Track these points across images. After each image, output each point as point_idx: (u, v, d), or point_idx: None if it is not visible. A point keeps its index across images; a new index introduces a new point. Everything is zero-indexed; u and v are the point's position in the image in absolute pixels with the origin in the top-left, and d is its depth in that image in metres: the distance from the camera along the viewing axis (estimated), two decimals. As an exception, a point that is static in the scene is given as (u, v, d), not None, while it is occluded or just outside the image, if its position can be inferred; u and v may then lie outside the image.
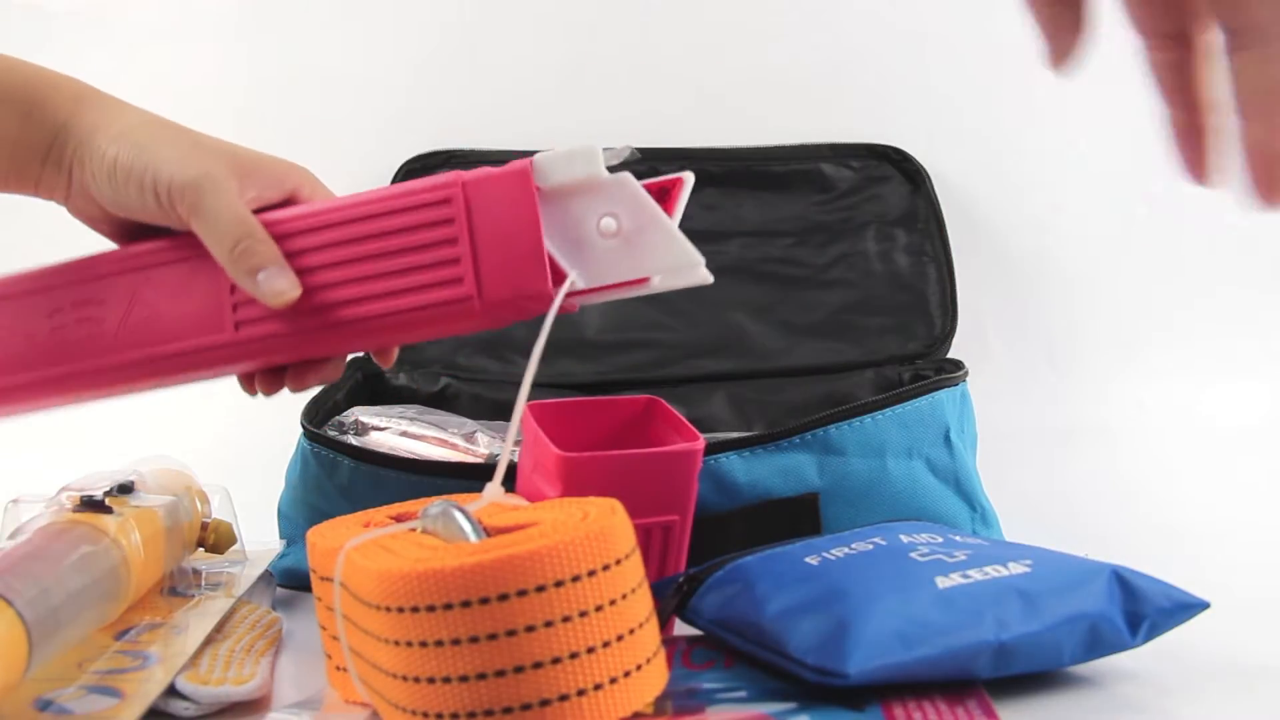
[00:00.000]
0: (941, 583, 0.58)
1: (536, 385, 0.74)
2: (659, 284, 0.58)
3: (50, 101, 0.63)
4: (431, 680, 0.48)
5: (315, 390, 0.65)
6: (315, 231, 0.61)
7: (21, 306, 0.64)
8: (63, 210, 0.66)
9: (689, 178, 0.59)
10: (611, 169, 0.58)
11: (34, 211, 0.69)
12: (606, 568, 0.49)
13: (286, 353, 0.62)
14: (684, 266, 0.58)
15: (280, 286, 0.60)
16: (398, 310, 0.59)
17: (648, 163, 0.76)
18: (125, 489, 0.69)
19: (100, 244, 0.66)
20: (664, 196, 0.58)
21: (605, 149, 0.58)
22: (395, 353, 0.67)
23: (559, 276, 0.58)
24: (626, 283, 0.58)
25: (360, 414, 0.89)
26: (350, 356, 1.02)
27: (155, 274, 0.63)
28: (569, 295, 0.59)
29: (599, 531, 0.49)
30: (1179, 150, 0.50)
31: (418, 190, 0.60)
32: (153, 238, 0.63)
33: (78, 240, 0.66)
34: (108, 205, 0.63)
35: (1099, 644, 0.58)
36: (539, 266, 0.58)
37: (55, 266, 0.65)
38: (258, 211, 0.61)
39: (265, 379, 0.64)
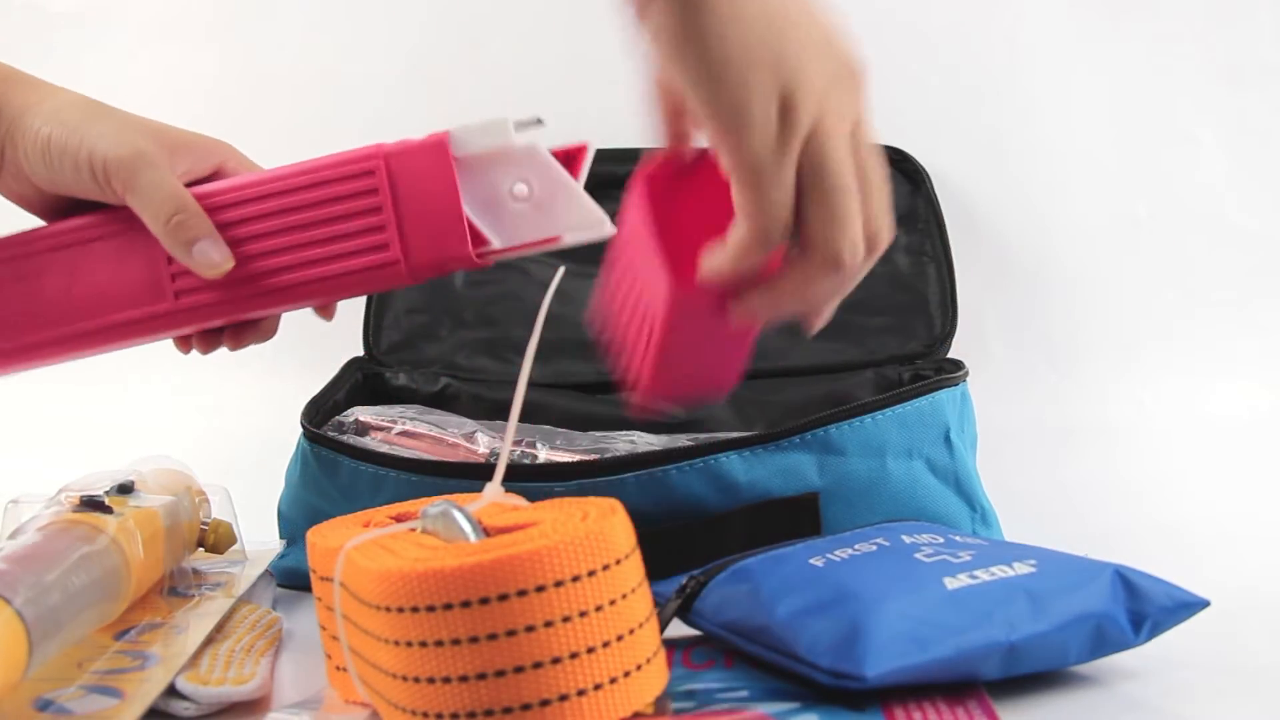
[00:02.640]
0: (950, 583, 0.58)
1: (535, 385, 0.73)
2: (569, 240, 0.63)
3: None
4: (431, 680, 0.48)
5: (251, 347, 0.70)
6: (246, 204, 0.64)
7: None
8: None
9: (591, 145, 0.64)
10: (522, 137, 0.62)
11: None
12: (606, 568, 0.49)
13: (224, 317, 0.65)
14: (589, 224, 0.62)
15: (214, 258, 0.63)
16: (328, 276, 0.63)
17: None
18: (125, 489, 0.69)
19: (30, 222, 0.67)
20: (570, 162, 0.63)
21: (516, 121, 0.62)
22: (335, 307, 0.69)
23: (479, 240, 0.62)
24: (539, 241, 0.63)
25: (360, 414, 0.89)
26: (350, 356, 1.03)
27: (93, 248, 0.65)
28: (485, 254, 0.63)
29: (598, 531, 0.49)
30: None
31: (341, 162, 0.63)
32: (86, 213, 0.65)
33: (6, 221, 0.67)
34: (42, 183, 0.64)
35: (1103, 643, 0.58)
36: (459, 232, 0.62)
37: None
38: (189, 185, 0.64)
39: (202, 339, 0.67)
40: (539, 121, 0.63)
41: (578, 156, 0.63)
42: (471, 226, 0.62)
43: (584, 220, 0.62)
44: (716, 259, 0.56)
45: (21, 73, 0.66)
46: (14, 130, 0.63)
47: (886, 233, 0.56)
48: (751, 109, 0.52)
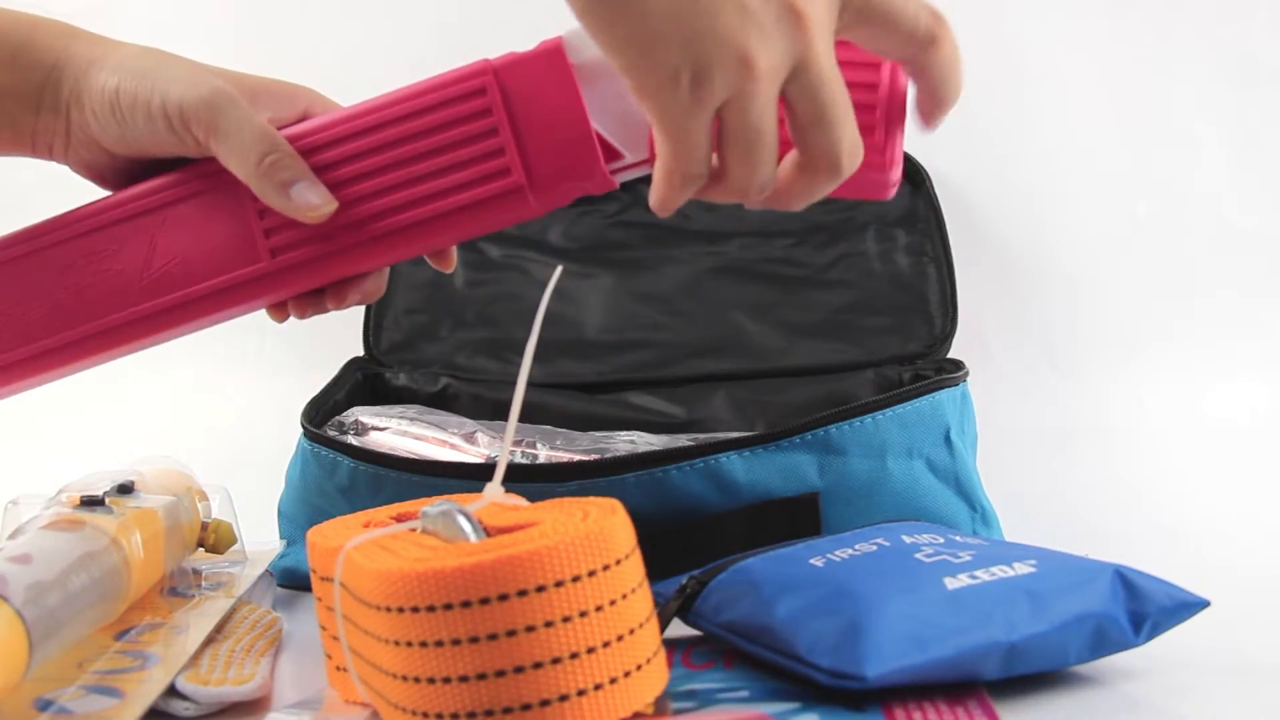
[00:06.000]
0: (950, 584, 0.58)
1: (535, 385, 0.74)
2: None
3: (37, 42, 0.60)
4: (431, 680, 0.48)
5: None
6: (343, 142, 0.58)
7: (29, 267, 0.61)
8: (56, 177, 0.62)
9: None
10: None
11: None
12: (606, 568, 0.49)
13: (329, 273, 0.59)
14: None
15: (314, 201, 0.57)
16: (445, 212, 0.57)
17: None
18: (125, 489, 0.69)
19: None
20: None
21: None
22: (454, 254, 0.63)
23: (610, 154, 0.57)
24: None
25: (360, 414, 0.89)
26: (350, 356, 1.03)
27: (172, 212, 0.59)
28: (618, 170, 0.57)
29: (599, 531, 0.49)
30: None
31: (446, 84, 0.57)
32: (159, 176, 0.60)
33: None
34: (113, 144, 0.59)
35: (1104, 643, 0.58)
36: (588, 147, 0.56)
37: (53, 220, 0.61)
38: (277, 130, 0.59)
39: (299, 303, 0.61)
40: None
41: None
42: (601, 140, 0.56)
43: None
44: (652, 191, 0.53)
45: (82, 29, 0.62)
46: (79, 88, 0.59)
47: (847, 156, 0.52)
48: (663, 85, 0.50)
